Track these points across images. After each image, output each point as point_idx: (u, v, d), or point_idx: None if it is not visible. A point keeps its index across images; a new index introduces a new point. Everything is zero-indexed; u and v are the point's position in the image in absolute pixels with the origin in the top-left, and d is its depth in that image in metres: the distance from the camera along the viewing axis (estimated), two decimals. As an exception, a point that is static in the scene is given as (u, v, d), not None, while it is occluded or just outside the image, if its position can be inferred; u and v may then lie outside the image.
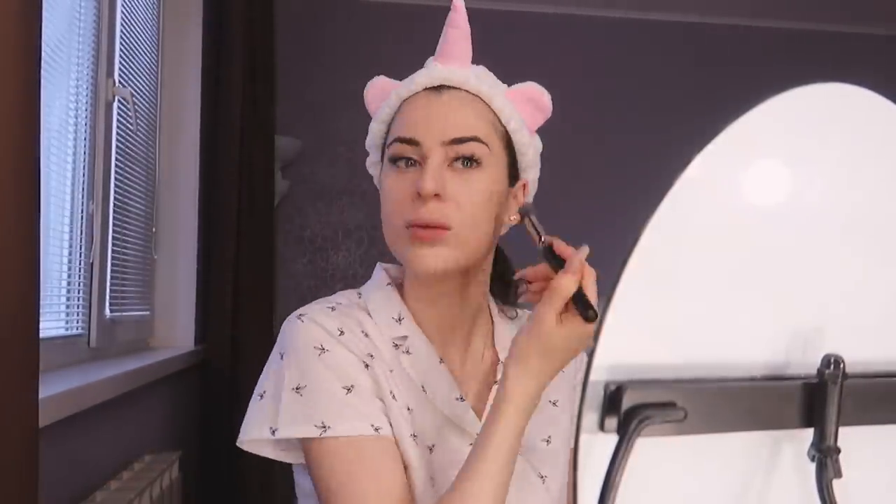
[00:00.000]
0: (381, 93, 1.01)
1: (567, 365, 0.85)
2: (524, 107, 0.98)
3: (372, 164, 1.04)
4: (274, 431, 0.88)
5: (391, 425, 0.90)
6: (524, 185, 1.00)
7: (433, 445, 0.93)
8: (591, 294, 0.82)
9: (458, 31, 0.95)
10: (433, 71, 0.96)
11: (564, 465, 1.01)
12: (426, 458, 0.92)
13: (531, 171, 1.00)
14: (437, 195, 0.89)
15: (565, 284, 0.81)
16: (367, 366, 0.91)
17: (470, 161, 0.92)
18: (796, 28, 3.82)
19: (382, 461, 0.87)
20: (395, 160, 0.93)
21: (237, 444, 0.92)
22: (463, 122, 0.93)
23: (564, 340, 0.82)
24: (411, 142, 0.92)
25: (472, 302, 0.99)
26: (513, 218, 0.97)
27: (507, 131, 0.96)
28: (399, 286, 1.00)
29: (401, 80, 0.99)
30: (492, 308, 1.05)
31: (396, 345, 0.95)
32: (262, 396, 0.91)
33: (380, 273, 1.02)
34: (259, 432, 0.89)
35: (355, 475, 0.86)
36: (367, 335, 0.94)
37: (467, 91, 0.95)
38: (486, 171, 0.93)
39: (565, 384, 1.03)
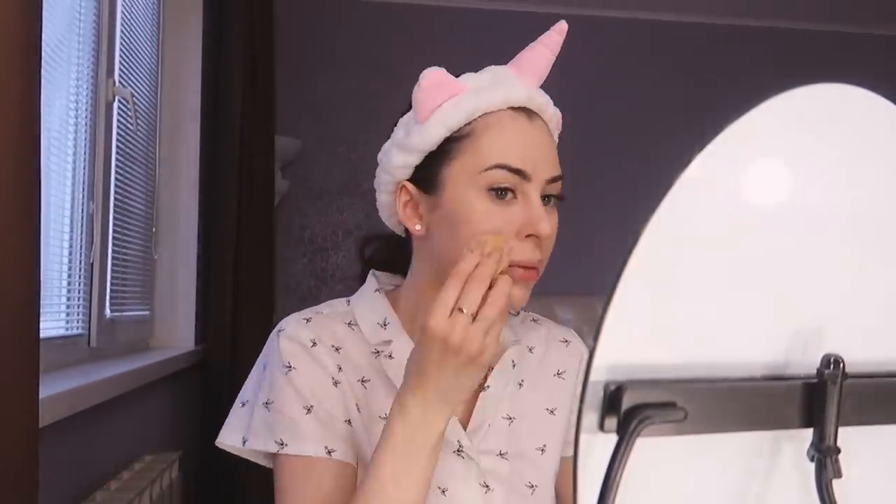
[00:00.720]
0: (444, 91, 0.90)
1: (461, 395, 0.82)
2: (555, 128, 0.96)
3: (402, 166, 0.92)
4: (245, 442, 0.93)
5: (355, 444, 0.91)
6: None
7: None
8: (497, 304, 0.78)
9: (548, 51, 0.91)
10: (525, 90, 0.90)
11: (554, 478, 1.00)
12: None
13: None
14: (528, 236, 0.87)
15: (432, 327, 0.77)
16: (335, 382, 0.92)
17: (550, 198, 0.90)
18: (796, 28, 3.82)
19: (328, 482, 0.88)
20: (494, 189, 0.87)
21: (215, 443, 0.96)
22: (554, 159, 0.91)
23: (443, 380, 0.79)
24: (521, 174, 0.87)
25: None
26: None
27: None
28: (391, 293, 0.99)
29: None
30: None
31: (379, 351, 0.94)
32: (243, 404, 0.96)
33: (370, 280, 1.01)
34: (233, 440, 0.94)
35: (300, 492, 0.89)
36: (338, 349, 0.94)
37: (542, 118, 0.92)
38: (556, 205, 0.92)
39: (565, 392, 1.02)
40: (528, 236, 0.87)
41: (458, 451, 0.92)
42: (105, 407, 1.49)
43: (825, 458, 0.44)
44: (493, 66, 0.93)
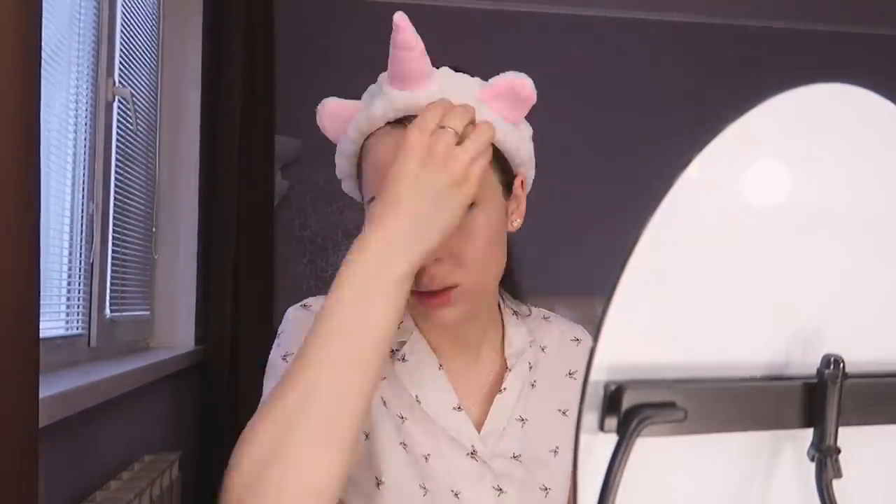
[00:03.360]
0: (336, 121, 0.88)
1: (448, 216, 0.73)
2: (500, 105, 0.83)
3: (351, 191, 0.93)
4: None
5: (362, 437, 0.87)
6: (521, 182, 0.90)
7: (428, 455, 0.90)
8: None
9: (409, 53, 0.79)
10: (392, 100, 0.82)
11: (568, 480, 0.97)
12: (419, 467, 0.89)
13: (527, 164, 0.90)
14: (436, 259, 0.80)
15: (413, 138, 0.71)
16: None
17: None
18: (796, 28, 3.83)
19: None
20: None
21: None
22: None
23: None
24: None
25: (484, 315, 0.96)
26: (516, 224, 0.90)
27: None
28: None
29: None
30: (503, 309, 1.00)
31: (393, 350, 0.92)
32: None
33: None
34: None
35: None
36: None
37: None
38: (481, 208, 0.82)
39: (576, 392, 0.99)
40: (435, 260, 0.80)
41: (471, 454, 0.91)
42: (105, 407, 1.49)
43: (825, 458, 0.44)
44: (383, 74, 0.85)
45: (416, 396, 0.91)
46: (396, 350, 0.92)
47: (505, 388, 0.94)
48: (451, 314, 0.85)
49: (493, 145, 0.82)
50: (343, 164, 0.89)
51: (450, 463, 0.90)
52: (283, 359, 0.89)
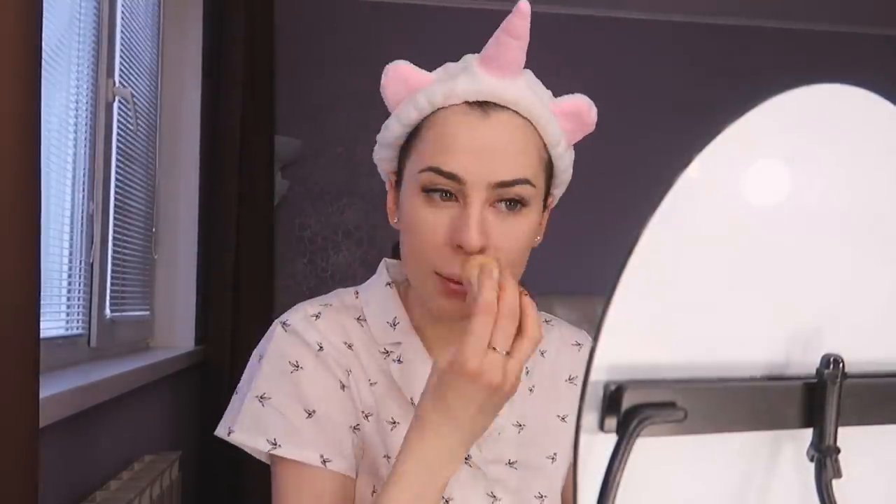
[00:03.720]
0: (405, 86, 0.86)
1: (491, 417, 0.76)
2: (568, 123, 0.87)
3: (384, 159, 0.91)
4: (230, 433, 0.87)
5: (366, 446, 0.87)
6: (551, 202, 0.91)
7: None
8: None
9: (517, 42, 0.81)
10: (480, 81, 0.82)
11: (563, 483, 0.96)
12: None
13: (561, 188, 0.92)
14: (479, 251, 0.79)
15: (471, 368, 0.71)
16: (343, 386, 0.87)
17: (515, 203, 0.82)
18: (796, 28, 3.83)
19: (327, 493, 0.84)
20: (428, 190, 0.81)
21: (214, 433, 0.91)
22: (513, 160, 0.81)
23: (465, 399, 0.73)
24: (455, 178, 0.80)
25: None
26: (538, 240, 0.89)
27: (550, 157, 0.86)
28: (402, 283, 0.94)
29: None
30: None
31: (388, 351, 0.90)
32: (236, 392, 0.91)
33: (381, 271, 0.96)
34: (221, 430, 0.89)
35: (297, 499, 0.85)
36: (350, 346, 0.89)
37: (517, 112, 0.82)
38: (529, 211, 0.83)
39: (575, 397, 0.95)
40: (459, 246, 0.80)
41: (464, 459, 0.87)
42: (105, 407, 1.49)
43: (825, 458, 0.44)
44: (469, 56, 0.86)
45: (412, 399, 0.88)
46: (391, 351, 0.90)
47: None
48: (462, 309, 0.81)
49: (551, 160, 0.86)
50: (396, 130, 0.86)
51: None
52: (260, 399, 0.87)
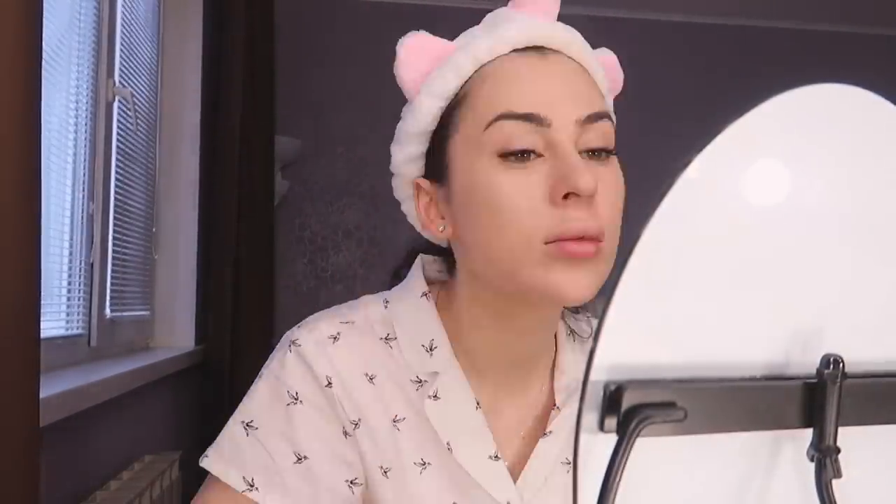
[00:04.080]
0: (430, 55, 0.72)
1: None
2: (608, 74, 0.77)
3: (410, 159, 0.75)
4: (205, 456, 0.76)
5: (372, 498, 0.75)
6: None
7: None
8: None
9: None
10: (528, 25, 0.70)
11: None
12: None
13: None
14: (591, 195, 0.65)
15: None
16: (346, 434, 0.74)
17: (602, 153, 0.70)
18: (796, 28, 3.83)
19: None
20: (507, 153, 0.67)
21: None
22: (588, 94, 0.70)
23: None
24: (535, 119, 0.66)
25: (552, 329, 0.79)
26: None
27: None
28: (440, 295, 0.79)
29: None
30: (559, 329, 0.82)
31: (422, 381, 0.76)
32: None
33: (417, 276, 0.79)
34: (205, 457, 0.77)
35: None
36: (372, 380, 0.75)
37: (570, 57, 0.72)
38: (615, 161, 0.72)
39: None
40: (566, 197, 0.65)
41: None
42: (105, 407, 1.49)
43: (825, 458, 0.44)
44: (491, 13, 0.74)
45: (448, 444, 0.75)
46: (425, 381, 0.76)
47: (551, 432, 0.77)
48: (591, 281, 0.67)
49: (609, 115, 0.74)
50: (429, 108, 0.72)
51: None
52: (245, 426, 0.75)
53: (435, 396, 0.75)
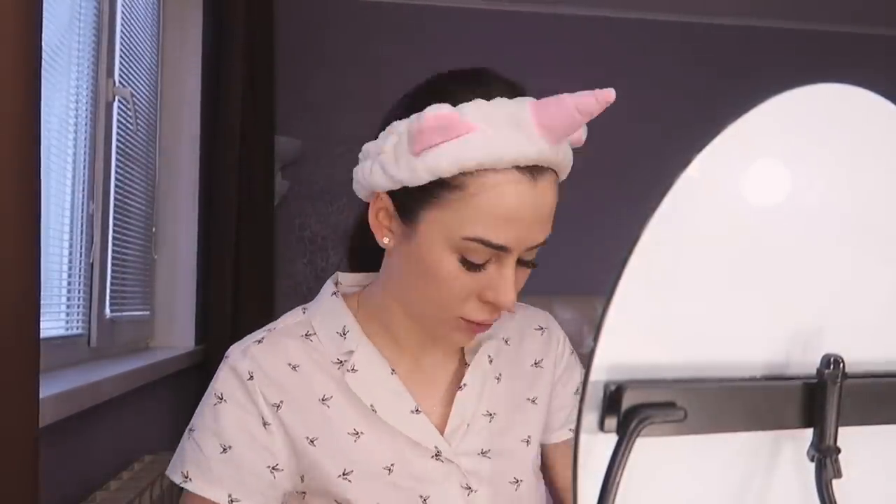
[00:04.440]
0: (444, 134, 0.77)
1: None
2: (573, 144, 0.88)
3: (382, 185, 0.83)
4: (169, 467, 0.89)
5: (315, 474, 0.86)
6: None
7: (392, 465, 0.87)
8: None
9: (583, 121, 0.78)
10: (536, 147, 0.77)
11: (536, 468, 0.96)
12: (377, 483, 0.86)
13: None
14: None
15: None
16: (265, 424, 0.86)
17: (532, 262, 0.85)
18: (796, 28, 3.83)
19: None
20: (467, 261, 0.80)
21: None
22: (548, 223, 0.83)
23: None
24: (501, 249, 0.80)
25: None
26: None
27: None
28: (359, 294, 0.94)
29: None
30: None
31: (341, 361, 0.89)
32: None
33: (328, 284, 0.95)
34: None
35: None
36: (295, 368, 0.88)
37: (553, 172, 0.82)
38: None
39: (543, 381, 0.98)
40: (488, 301, 0.83)
41: (435, 455, 0.89)
42: (105, 407, 1.49)
43: (825, 458, 0.44)
44: (508, 101, 0.78)
45: (371, 405, 0.88)
46: (345, 360, 0.89)
47: (465, 385, 0.92)
48: (470, 338, 0.89)
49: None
50: (421, 176, 0.79)
51: (414, 469, 0.88)
52: (189, 431, 0.88)
53: (353, 369, 0.88)
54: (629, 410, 0.40)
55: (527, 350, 0.99)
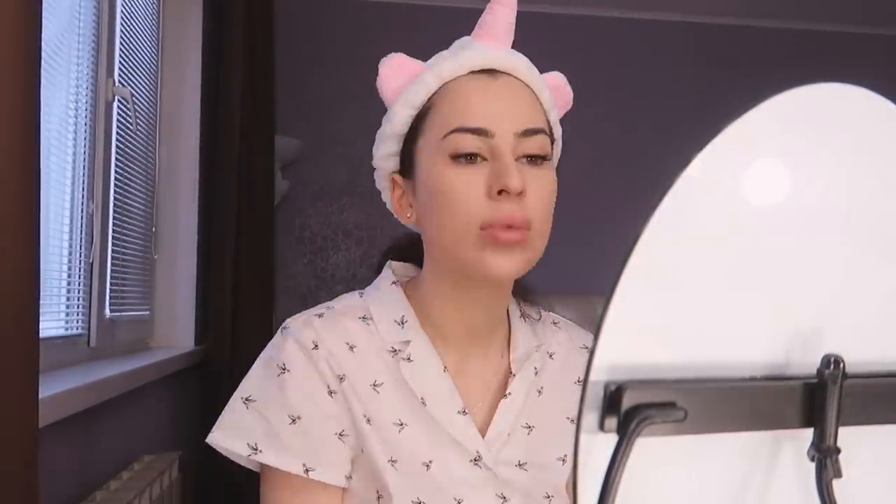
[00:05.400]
0: (406, 72, 0.89)
1: None
2: (555, 94, 0.92)
3: (387, 155, 0.91)
4: (211, 433, 0.88)
5: (363, 455, 0.86)
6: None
7: (430, 462, 0.87)
8: None
9: (506, 10, 0.87)
10: (483, 52, 0.86)
11: (568, 488, 0.94)
12: (416, 477, 0.86)
13: (557, 156, 0.93)
14: (519, 192, 0.81)
15: None
16: (331, 392, 0.86)
17: (537, 159, 0.85)
18: (796, 28, 3.82)
19: (311, 501, 0.85)
20: (457, 156, 0.83)
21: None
22: (528, 113, 0.85)
23: None
24: (481, 132, 0.82)
25: (502, 305, 0.94)
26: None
27: (548, 122, 0.89)
28: (408, 284, 0.94)
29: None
30: (511, 310, 0.97)
31: (396, 350, 0.89)
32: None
33: (386, 272, 0.95)
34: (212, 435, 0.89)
35: None
36: (352, 348, 0.88)
37: (517, 78, 0.87)
38: (549, 165, 0.87)
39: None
40: (500, 193, 0.81)
41: (475, 460, 0.88)
42: (105, 407, 1.49)
43: (825, 458, 0.44)
44: (459, 40, 0.90)
45: (423, 399, 0.88)
46: (400, 350, 0.89)
47: (510, 393, 0.91)
48: (516, 262, 0.82)
49: (550, 126, 0.89)
50: (402, 115, 0.88)
51: (453, 470, 0.87)
52: (245, 401, 0.87)
53: (409, 359, 0.89)
54: (629, 410, 0.40)
55: (571, 367, 0.98)
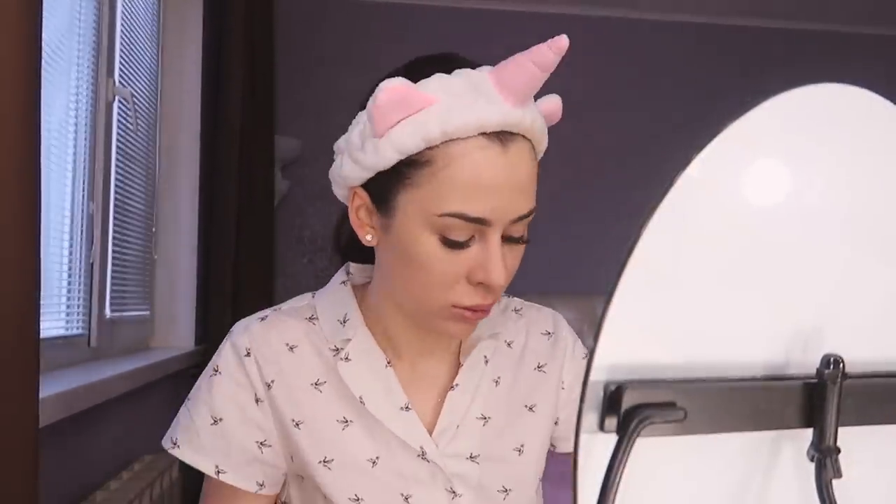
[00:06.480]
0: (406, 107, 0.76)
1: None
2: (549, 121, 0.85)
3: (355, 178, 0.82)
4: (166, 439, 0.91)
5: (297, 456, 0.87)
6: None
7: (377, 458, 0.86)
8: None
9: (542, 75, 0.74)
10: (501, 111, 0.75)
11: (534, 479, 0.93)
12: (354, 475, 0.86)
13: None
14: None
15: None
16: (258, 400, 0.86)
17: (519, 238, 0.81)
18: (796, 28, 3.83)
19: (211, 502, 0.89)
20: (448, 241, 0.77)
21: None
22: (529, 192, 0.79)
23: None
24: (481, 222, 0.76)
25: None
26: None
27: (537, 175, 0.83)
28: (361, 286, 0.92)
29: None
30: None
31: (338, 349, 0.88)
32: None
33: (339, 272, 0.94)
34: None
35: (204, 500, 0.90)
36: (292, 348, 0.88)
37: (525, 138, 0.79)
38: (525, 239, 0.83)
39: (547, 387, 0.95)
40: (479, 283, 0.79)
41: (421, 455, 0.87)
42: (105, 407, 1.49)
43: (825, 458, 0.44)
44: (469, 70, 0.78)
45: (360, 398, 0.86)
46: (340, 349, 0.88)
47: (457, 385, 0.89)
48: (473, 327, 0.84)
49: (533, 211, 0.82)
50: (389, 157, 0.77)
51: (400, 465, 0.87)
52: (186, 402, 0.90)
53: (346, 358, 0.88)
54: (629, 410, 0.40)
55: (530, 353, 0.96)
